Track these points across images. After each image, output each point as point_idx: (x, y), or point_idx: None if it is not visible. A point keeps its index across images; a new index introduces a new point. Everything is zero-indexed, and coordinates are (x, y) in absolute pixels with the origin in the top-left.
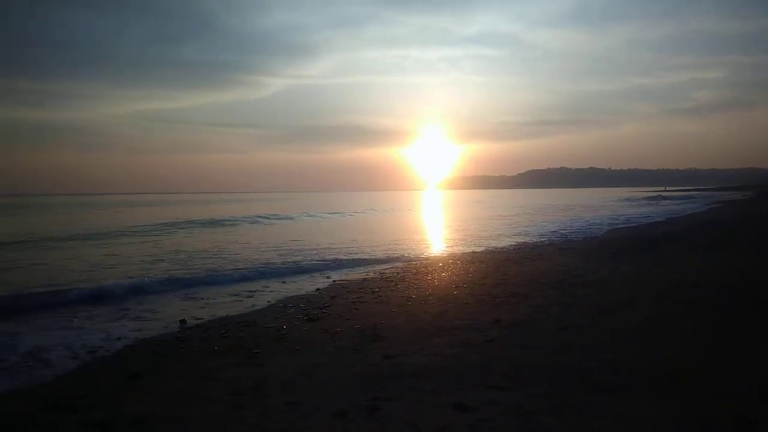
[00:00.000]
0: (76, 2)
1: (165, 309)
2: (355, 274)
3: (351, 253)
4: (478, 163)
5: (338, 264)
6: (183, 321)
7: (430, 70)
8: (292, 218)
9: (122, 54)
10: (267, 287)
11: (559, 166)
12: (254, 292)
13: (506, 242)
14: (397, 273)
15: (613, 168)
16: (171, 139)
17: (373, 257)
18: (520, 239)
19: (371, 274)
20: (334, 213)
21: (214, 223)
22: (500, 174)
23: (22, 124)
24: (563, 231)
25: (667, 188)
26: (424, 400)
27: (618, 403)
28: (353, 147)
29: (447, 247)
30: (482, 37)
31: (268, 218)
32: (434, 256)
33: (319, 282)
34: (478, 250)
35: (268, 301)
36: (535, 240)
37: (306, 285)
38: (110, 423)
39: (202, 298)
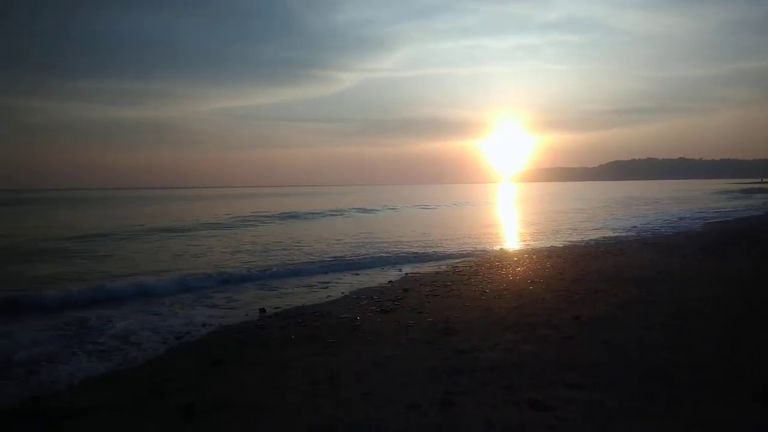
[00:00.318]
0: (164, 5)
1: (245, 298)
2: (428, 268)
3: (423, 247)
4: (557, 154)
5: (410, 257)
6: (262, 310)
7: (505, 59)
8: (366, 211)
9: (205, 54)
10: (340, 279)
11: (645, 157)
12: (328, 283)
13: (585, 237)
14: (471, 267)
15: (704, 158)
16: (248, 135)
17: (446, 251)
18: (601, 233)
19: (444, 268)
20: (404, 207)
21: (291, 217)
22: (581, 165)
23: (112, 123)
24: (649, 225)
25: (765, 179)
26: (499, 396)
27: (705, 408)
28: (425, 139)
29: (522, 241)
30: (563, 22)
31: (341, 211)
32: (509, 251)
33: (392, 274)
34: (555, 244)
35: (342, 292)
36: (617, 234)
37: (378, 277)
38: (195, 407)
39: (278, 288)
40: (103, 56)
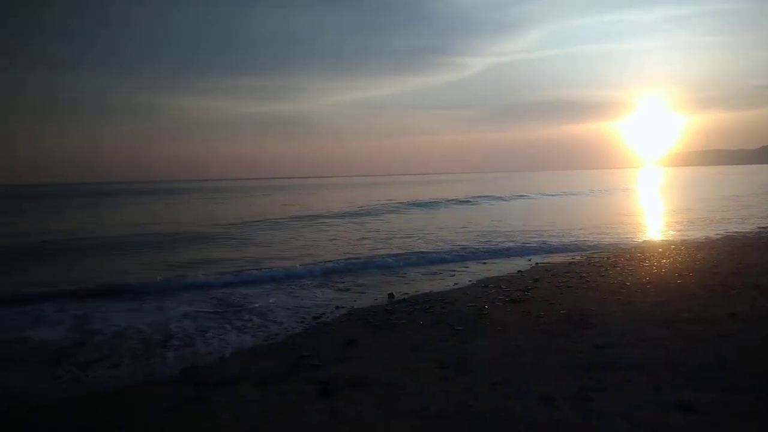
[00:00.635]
0: (295, 2)
1: (373, 283)
2: (560, 258)
3: (555, 236)
4: (710, 135)
5: (540, 247)
6: (391, 295)
7: (650, 33)
8: (493, 199)
9: (335, 48)
10: (467, 267)
11: None
12: (455, 271)
13: (743, 227)
14: (608, 258)
15: None
16: (376, 125)
17: (580, 241)
18: (762, 223)
19: (578, 258)
20: (535, 194)
21: (418, 205)
22: (738, 148)
23: (249, 117)
24: None
25: None
26: (642, 395)
27: None
28: (559, 123)
29: (667, 231)
30: None
31: (468, 199)
32: (652, 241)
33: (521, 264)
34: (707, 235)
35: (469, 281)
36: None
37: (506, 267)
38: (330, 382)
39: (405, 275)
40: (244, 55)
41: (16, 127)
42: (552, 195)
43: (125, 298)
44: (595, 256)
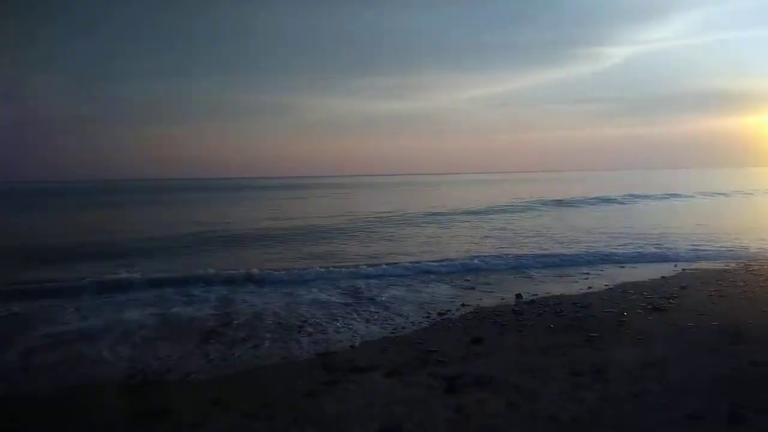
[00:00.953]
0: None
1: (500, 283)
2: (711, 264)
3: (704, 241)
4: None
5: (686, 251)
6: (519, 295)
7: None
8: (634, 198)
9: (463, 43)
10: (602, 270)
11: None
12: (588, 274)
13: None
14: None
15: None
16: (506, 120)
17: (735, 246)
18: None
19: (732, 266)
20: (680, 194)
21: (552, 203)
22: None
23: (381, 115)
24: None
25: None
26: None
27: None
28: (709, 116)
29: None
30: None
31: (603, 198)
32: None
33: (665, 270)
34: None
35: (605, 285)
36: None
37: (648, 272)
38: (457, 379)
39: (534, 276)
40: (369, 55)
41: (180, 127)
42: (702, 195)
43: (262, 285)
44: (753, 264)
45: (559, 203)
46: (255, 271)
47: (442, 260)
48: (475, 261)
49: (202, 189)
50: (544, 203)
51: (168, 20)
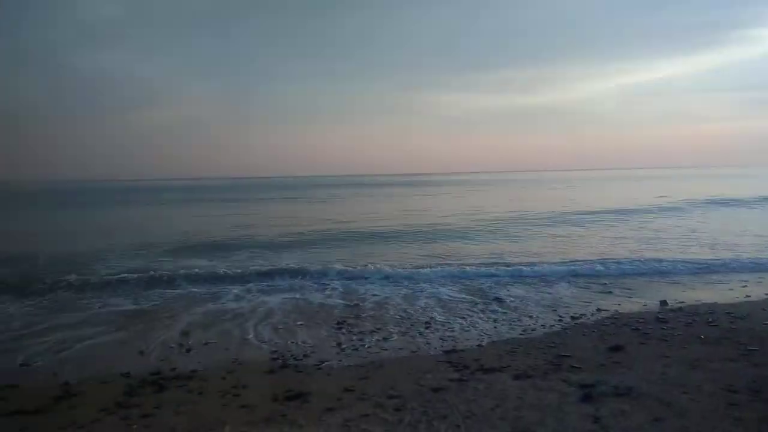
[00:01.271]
0: None
1: (641, 288)
2: None
3: None
4: None
5: None
6: (664, 302)
7: None
8: None
9: (598, 32)
10: (762, 279)
11: None
12: (746, 281)
13: None
14: None
15: None
16: (649, 111)
17: None
18: None
19: None
20: None
21: (696, 205)
22: None
23: (511, 109)
24: None
25: None
26: None
27: None
28: None
29: None
30: None
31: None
32: None
33: None
34: None
35: (766, 294)
36: None
37: None
38: (593, 387)
39: (681, 282)
40: (497, 49)
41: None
42: None
43: (387, 280)
44: None
45: (712, 202)
46: (381, 266)
47: (574, 261)
48: (611, 263)
49: (348, 185)
50: (694, 202)
51: (316, 25)
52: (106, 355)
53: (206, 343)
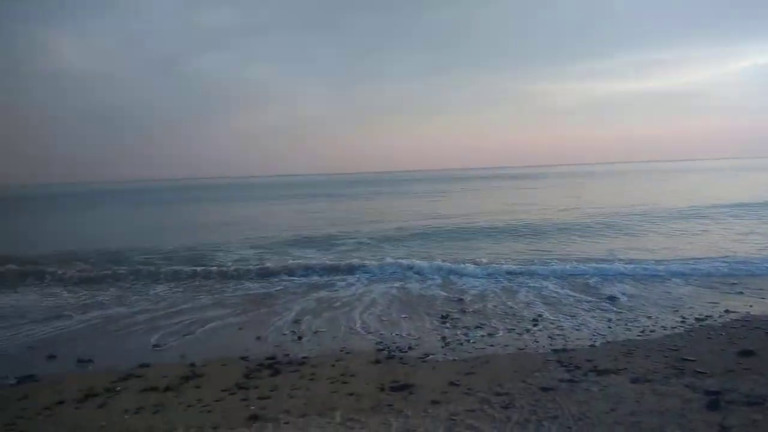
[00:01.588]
0: None
1: None
2: None
3: None
4: None
5: None
6: None
7: None
8: None
9: (725, 12)
10: None
11: None
12: None
13: None
14: None
15: None
16: None
17: None
18: None
19: None
20: None
21: None
22: None
23: (616, 95)
24: None
25: None
26: None
27: None
28: None
29: None
30: None
31: None
32: None
33: None
34: None
35: None
36: None
37: None
38: (721, 394)
39: None
40: (604, 35)
41: (429, 122)
42: None
43: (489, 274)
44: None
45: None
46: (483, 260)
47: (697, 259)
48: (741, 262)
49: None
50: None
51: (412, 23)
52: (227, 338)
53: (316, 332)
